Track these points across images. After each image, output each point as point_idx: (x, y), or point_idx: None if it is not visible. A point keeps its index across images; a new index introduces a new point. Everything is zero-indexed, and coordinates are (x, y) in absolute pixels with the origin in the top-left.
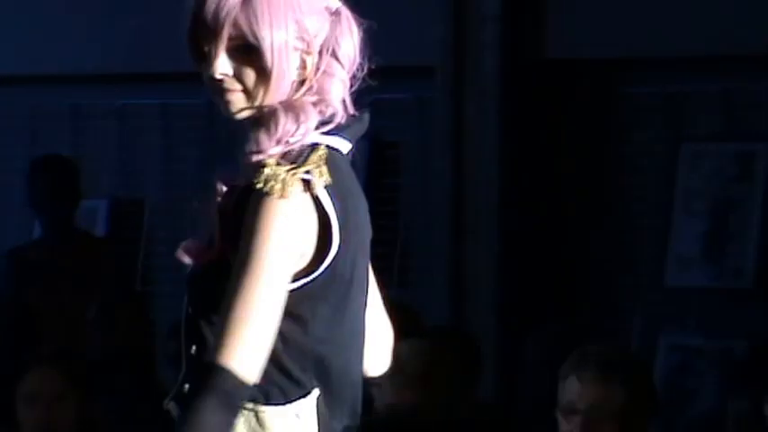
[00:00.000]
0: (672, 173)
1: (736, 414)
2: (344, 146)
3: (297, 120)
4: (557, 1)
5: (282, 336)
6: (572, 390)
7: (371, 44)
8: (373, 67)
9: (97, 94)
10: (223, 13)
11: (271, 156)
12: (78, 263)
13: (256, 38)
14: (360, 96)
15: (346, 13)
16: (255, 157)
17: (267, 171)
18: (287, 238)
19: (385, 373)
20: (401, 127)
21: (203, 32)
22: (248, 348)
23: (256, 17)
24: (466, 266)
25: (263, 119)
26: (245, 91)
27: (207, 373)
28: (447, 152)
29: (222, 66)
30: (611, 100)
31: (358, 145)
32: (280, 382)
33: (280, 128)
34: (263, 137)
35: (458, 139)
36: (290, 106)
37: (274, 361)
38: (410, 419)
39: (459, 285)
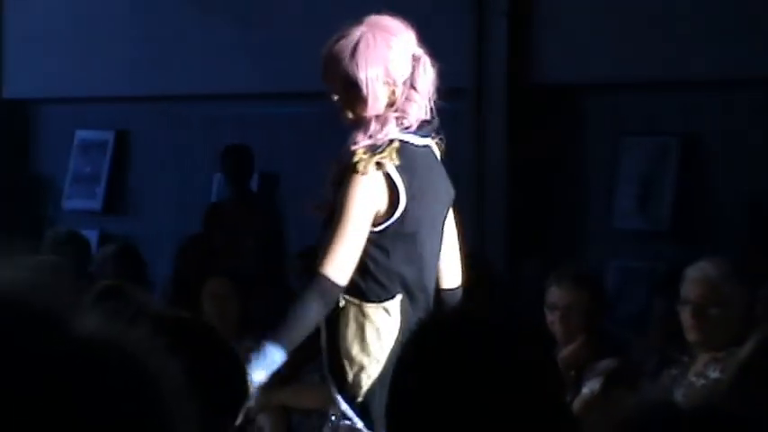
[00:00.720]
0: (617, 156)
1: (659, 311)
2: (418, 140)
3: (381, 126)
4: (540, 45)
5: (375, 260)
6: (554, 294)
7: None
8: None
9: (260, 106)
10: (338, 62)
11: (361, 147)
12: (248, 211)
13: (357, 77)
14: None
15: (424, 59)
16: (353, 147)
17: (356, 156)
18: (362, 200)
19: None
20: (443, 128)
21: (327, 73)
22: (338, 265)
23: (357, 65)
24: (485, 216)
25: (362, 124)
26: (352, 109)
27: (312, 277)
28: (472, 146)
29: (338, 104)
30: (578, 109)
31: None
32: (375, 289)
33: (370, 130)
34: (359, 134)
35: (479, 139)
36: (379, 117)
37: (372, 275)
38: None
39: (479, 229)
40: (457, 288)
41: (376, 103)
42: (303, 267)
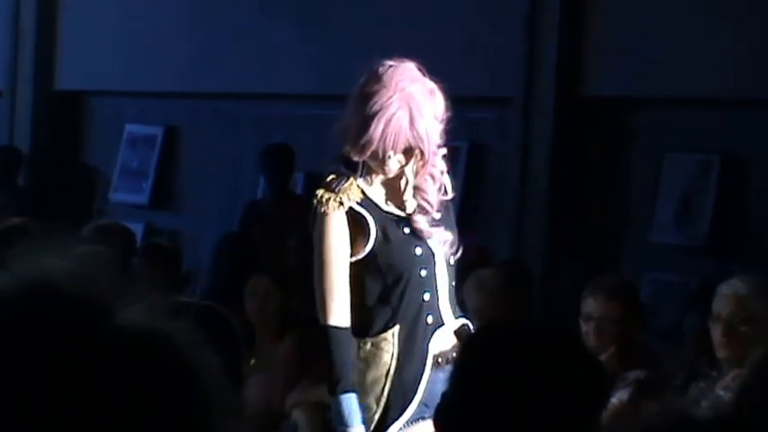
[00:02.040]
0: (658, 172)
1: (690, 324)
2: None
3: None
4: (589, 59)
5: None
6: (590, 305)
7: (477, 84)
8: (477, 96)
9: (309, 107)
10: (401, 137)
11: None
12: (288, 212)
13: (421, 145)
14: (466, 115)
15: (434, 89)
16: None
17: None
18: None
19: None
20: (491, 135)
21: (384, 147)
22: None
23: (419, 133)
24: (525, 223)
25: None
26: (405, 166)
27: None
28: (519, 152)
29: (395, 164)
30: (623, 123)
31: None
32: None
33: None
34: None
35: (525, 145)
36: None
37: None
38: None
39: (520, 235)
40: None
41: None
42: None
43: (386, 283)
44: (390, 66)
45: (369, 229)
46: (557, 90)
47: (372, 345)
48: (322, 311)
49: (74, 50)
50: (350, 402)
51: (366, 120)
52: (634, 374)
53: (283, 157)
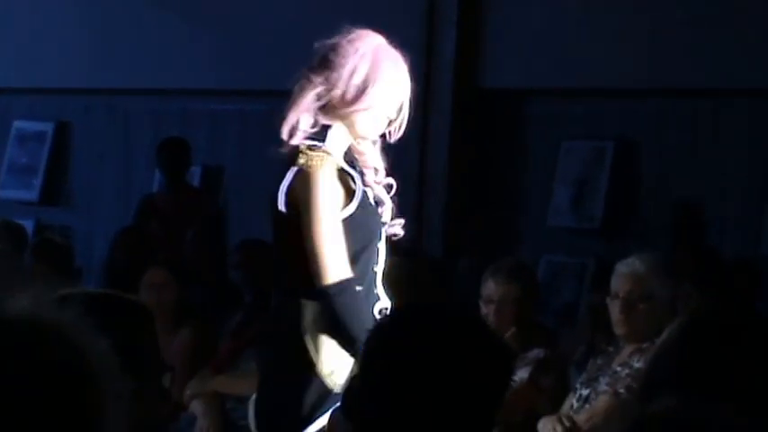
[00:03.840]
0: (555, 159)
1: (588, 303)
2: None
3: None
4: (486, 52)
5: None
6: (489, 287)
7: None
8: None
9: (205, 101)
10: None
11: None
12: (184, 205)
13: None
14: None
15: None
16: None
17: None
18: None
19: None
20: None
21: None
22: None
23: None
24: (425, 213)
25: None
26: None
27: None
28: (416, 146)
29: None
30: (520, 113)
31: None
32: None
33: None
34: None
35: (423, 139)
36: None
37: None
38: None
39: (421, 222)
40: None
41: None
42: (241, 259)
43: (354, 249)
44: (359, 30)
45: (354, 191)
46: (454, 82)
47: None
48: (323, 273)
49: None
50: None
51: (348, 57)
52: (533, 353)
53: (179, 150)
